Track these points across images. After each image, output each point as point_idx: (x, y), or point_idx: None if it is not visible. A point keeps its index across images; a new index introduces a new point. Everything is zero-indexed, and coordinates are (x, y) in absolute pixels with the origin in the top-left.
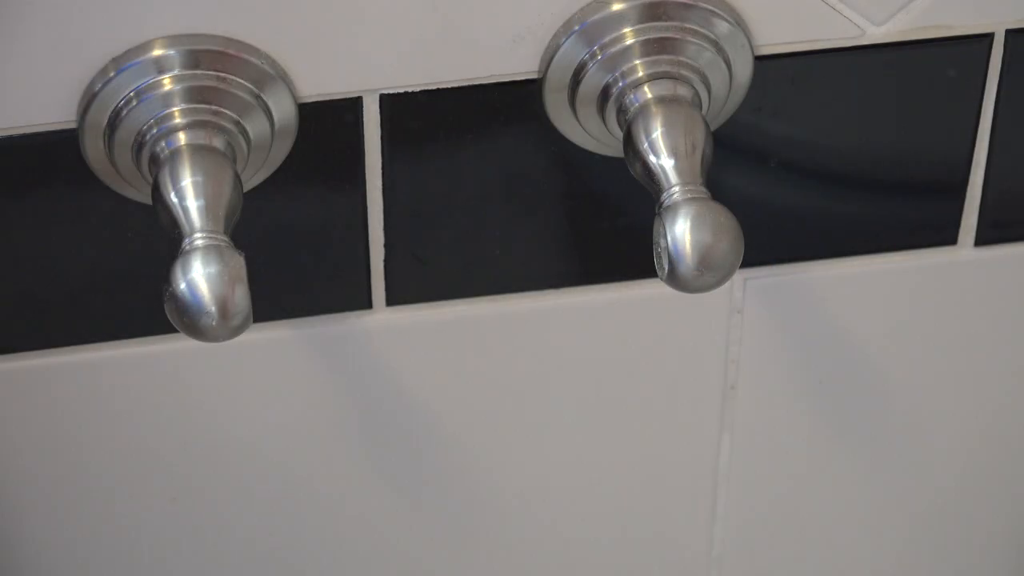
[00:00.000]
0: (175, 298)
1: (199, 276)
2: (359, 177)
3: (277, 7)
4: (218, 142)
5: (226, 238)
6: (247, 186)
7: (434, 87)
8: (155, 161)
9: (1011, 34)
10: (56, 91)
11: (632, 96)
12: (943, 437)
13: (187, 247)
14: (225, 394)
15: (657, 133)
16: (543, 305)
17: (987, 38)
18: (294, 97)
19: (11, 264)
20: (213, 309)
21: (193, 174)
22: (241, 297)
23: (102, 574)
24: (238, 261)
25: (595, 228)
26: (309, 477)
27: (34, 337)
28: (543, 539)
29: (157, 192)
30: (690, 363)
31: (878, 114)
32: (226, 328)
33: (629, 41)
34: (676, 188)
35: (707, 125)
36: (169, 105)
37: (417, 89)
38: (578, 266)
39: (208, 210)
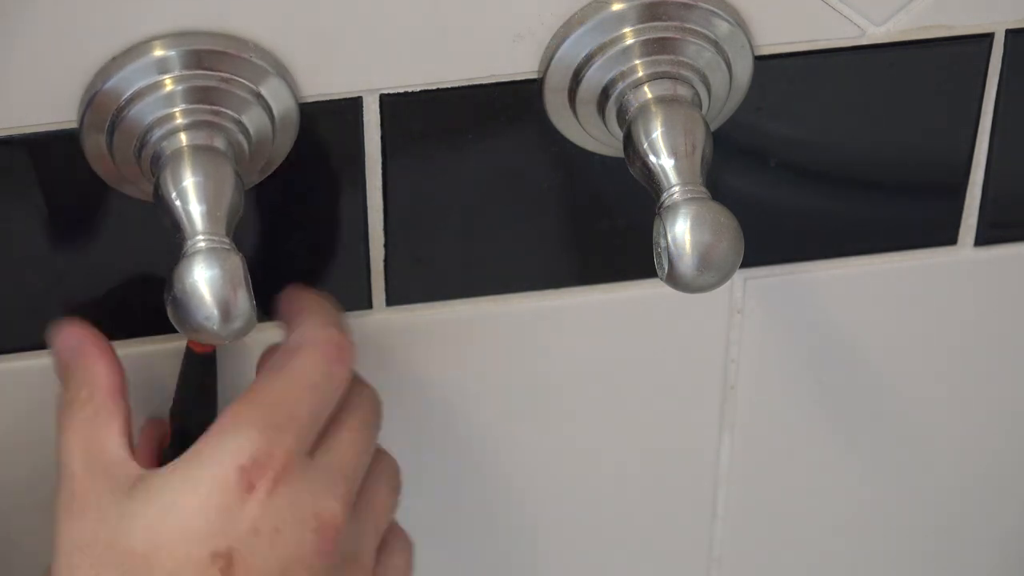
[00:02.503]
0: (177, 302)
1: (200, 279)
2: (359, 177)
3: (278, 6)
4: (219, 142)
5: (228, 240)
6: (247, 185)
7: (434, 87)
8: (157, 162)
9: (1011, 34)
10: (56, 91)
11: (632, 96)
12: (943, 437)
13: (189, 250)
14: (226, 396)
15: (657, 133)
16: (543, 305)
17: (987, 38)
18: (295, 96)
19: (11, 264)
20: (215, 312)
21: (194, 175)
22: (243, 299)
23: None
24: (239, 263)
25: (595, 228)
26: None
27: (34, 337)
28: (541, 539)
29: (159, 194)
30: (690, 363)
31: (878, 114)
32: (228, 330)
33: (629, 41)
34: (676, 188)
35: (707, 125)
36: (170, 105)
37: (417, 89)
38: (578, 266)
39: (209, 212)
